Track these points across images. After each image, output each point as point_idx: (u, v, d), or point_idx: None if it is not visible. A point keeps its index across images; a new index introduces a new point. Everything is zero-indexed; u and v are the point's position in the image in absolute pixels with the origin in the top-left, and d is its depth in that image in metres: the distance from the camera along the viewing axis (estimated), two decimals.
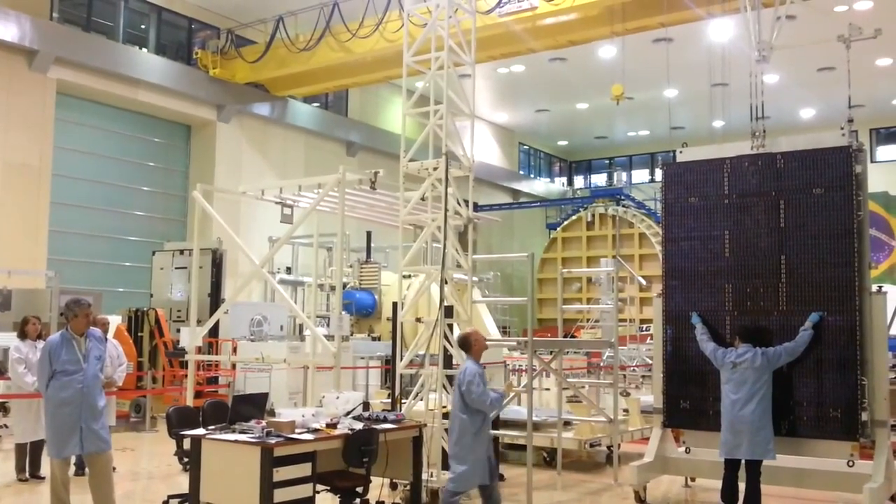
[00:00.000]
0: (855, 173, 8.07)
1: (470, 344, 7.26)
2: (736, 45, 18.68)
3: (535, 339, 8.94)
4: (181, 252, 18.29)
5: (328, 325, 15.30)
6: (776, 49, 9.09)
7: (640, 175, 38.12)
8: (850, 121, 8.31)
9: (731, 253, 8.60)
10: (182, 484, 7.58)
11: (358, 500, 7.22)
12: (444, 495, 7.04)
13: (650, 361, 14.35)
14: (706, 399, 8.48)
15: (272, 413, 7.15)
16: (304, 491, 6.36)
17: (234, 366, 14.52)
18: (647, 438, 9.34)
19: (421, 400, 8.63)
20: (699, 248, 8.79)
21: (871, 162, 30.17)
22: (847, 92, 11.40)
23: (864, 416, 7.74)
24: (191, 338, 10.69)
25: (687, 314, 8.70)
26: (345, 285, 18.67)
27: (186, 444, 7.08)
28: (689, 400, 8.65)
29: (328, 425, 6.93)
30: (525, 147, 37.35)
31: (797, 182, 8.32)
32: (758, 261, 8.43)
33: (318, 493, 6.66)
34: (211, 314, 13.38)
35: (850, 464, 7.86)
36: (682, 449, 8.81)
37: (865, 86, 25.52)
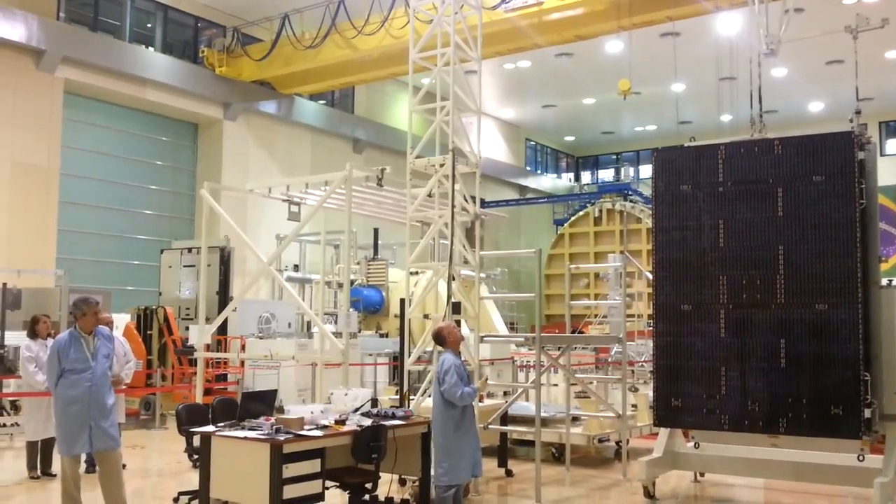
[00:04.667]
0: (857, 160, 7.72)
1: (444, 338, 7.26)
2: (744, 39, 18.61)
3: (543, 335, 8.93)
4: (189, 250, 18.33)
5: (336, 322, 15.32)
6: (784, 42, 9.04)
7: (648, 170, 37.94)
8: (858, 112, 8.17)
9: (725, 243, 8.18)
10: (192, 481, 7.61)
11: (367, 497, 7.24)
12: (437, 491, 7.02)
13: None
14: (699, 396, 8.15)
15: (281, 410, 7.16)
16: (313, 487, 6.38)
17: (242, 363, 14.55)
18: (656, 434, 9.31)
19: (429, 396, 8.63)
20: (692, 238, 8.34)
21: (881, 155, 30.05)
22: (856, 84, 11.30)
23: (867, 414, 7.42)
24: (200, 335, 10.73)
25: (679, 307, 8.35)
26: (352, 282, 18.70)
27: (196, 441, 7.10)
28: (681, 398, 8.27)
29: (337, 422, 6.94)
30: (532, 143, 37.30)
31: (796, 169, 7.90)
32: (754, 251, 8.02)
33: (327, 489, 6.68)
34: (219, 312, 13.40)
35: (861, 458, 7.74)
36: (692, 444, 8.76)
37: (875, 79, 25.44)
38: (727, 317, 8.13)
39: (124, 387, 10.24)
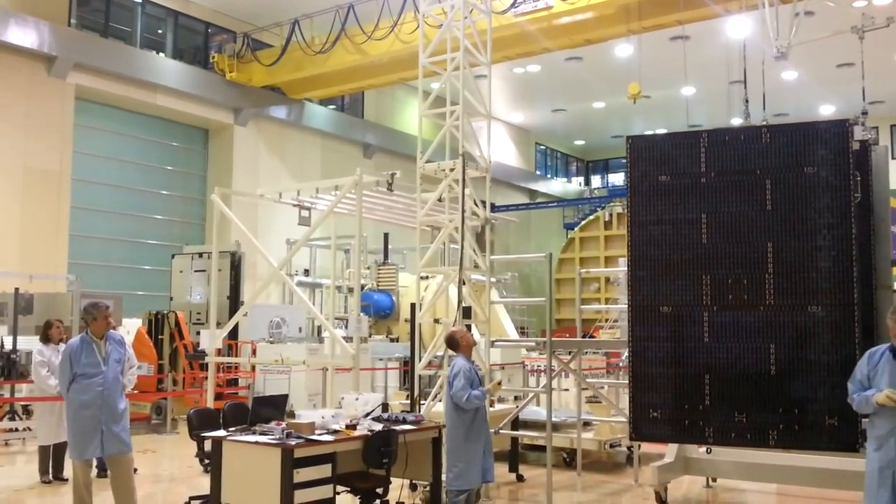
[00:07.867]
0: (852, 150, 7.12)
1: (457, 342, 7.37)
2: (754, 43, 18.56)
3: (553, 339, 8.91)
4: (200, 255, 18.40)
5: (346, 327, 15.32)
6: (795, 45, 9.00)
7: None
8: (865, 113, 8.01)
9: (709, 239, 7.50)
10: (203, 485, 7.62)
11: (378, 501, 7.23)
12: (448, 496, 7.07)
13: None
14: (681, 407, 7.54)
15: (292, 414, 7.18)
16: (324, 492, 6.38)
17: (253, 368, 14.59)
18: None
19: (440, 401, 8.62)
20: (671, 234, 7.62)
21: (893, 158, 29.84)
22: (866, 86, 11.20)
23: (864, 424, 6.84)
24: (211, 340, 10.75)
25: (658, 309, 7.65)
26: (363, 287, 18.71)
27: (207, 445, 7.12)
28: (660, 409, 7.60)
29: (348, 426, 6.95)
30: (542, 147, 37.27)
31: (786, 159, 7.30)
32: (740, 248, 7.37)
33: (338, 494, 6.68)
34: (230, 316, 13.43)
35: None
36: (704, 449, 8.71)
37: (886, 82, 25.27)
38: (711, 320, 7.45)
39: (133, 392, 10.28)
